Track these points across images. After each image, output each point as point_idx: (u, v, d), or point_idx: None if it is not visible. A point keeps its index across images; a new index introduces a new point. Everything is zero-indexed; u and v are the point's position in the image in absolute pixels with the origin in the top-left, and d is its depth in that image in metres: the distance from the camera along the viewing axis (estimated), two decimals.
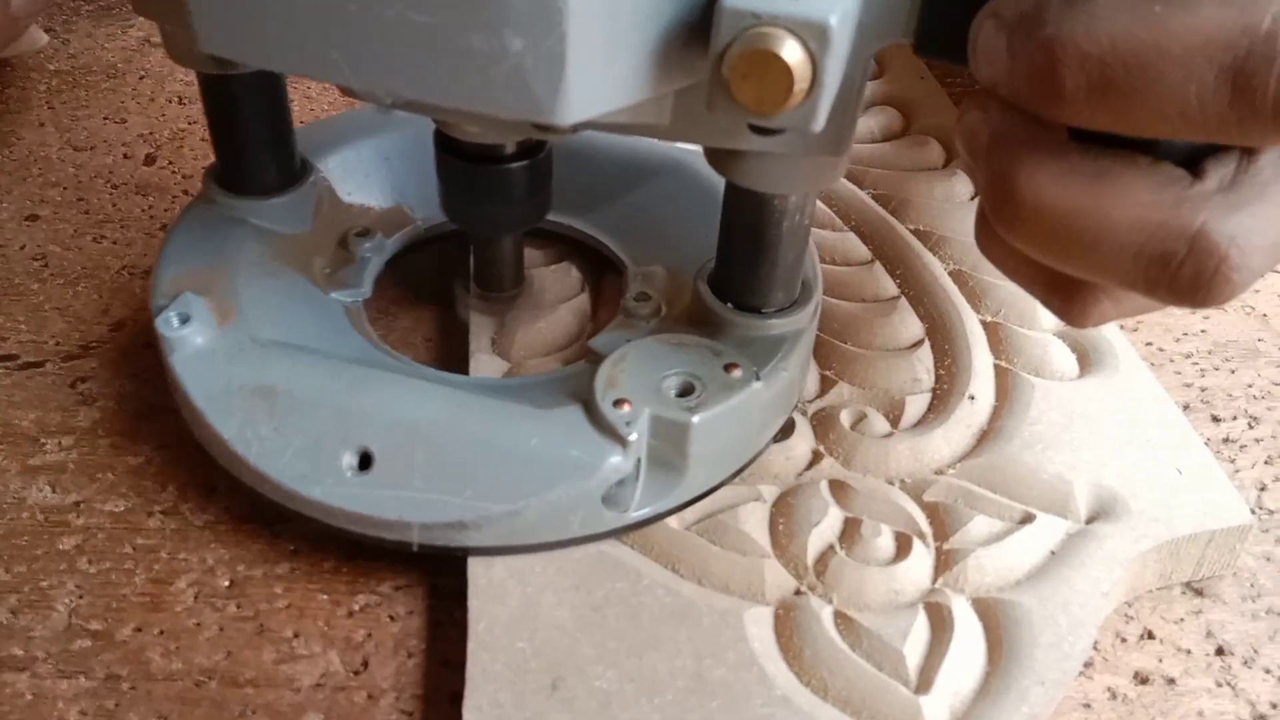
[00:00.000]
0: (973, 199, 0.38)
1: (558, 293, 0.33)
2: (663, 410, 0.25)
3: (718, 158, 0.25)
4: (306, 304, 0.29)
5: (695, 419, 0.25)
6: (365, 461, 0.25)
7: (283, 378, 0.26)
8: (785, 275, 0.27)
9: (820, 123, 0.20)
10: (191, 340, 0.27)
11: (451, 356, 0.32)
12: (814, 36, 0.19)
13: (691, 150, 0.35)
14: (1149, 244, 0.20)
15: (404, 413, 0.25)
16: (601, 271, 0.34)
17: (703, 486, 0.26)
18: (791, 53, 0.19)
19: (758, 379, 0.26)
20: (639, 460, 0.25)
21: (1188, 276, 0.20)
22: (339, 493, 0.24)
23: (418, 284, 0.35)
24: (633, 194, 0.34)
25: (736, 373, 0.26)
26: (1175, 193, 0.20)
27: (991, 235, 0.23)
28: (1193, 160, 0.20)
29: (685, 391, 0.26)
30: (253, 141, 0.31)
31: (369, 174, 0.34)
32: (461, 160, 0.27)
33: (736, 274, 0.28)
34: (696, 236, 0.30)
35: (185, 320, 0.27)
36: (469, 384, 0.28)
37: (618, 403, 0.25)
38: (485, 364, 0.30)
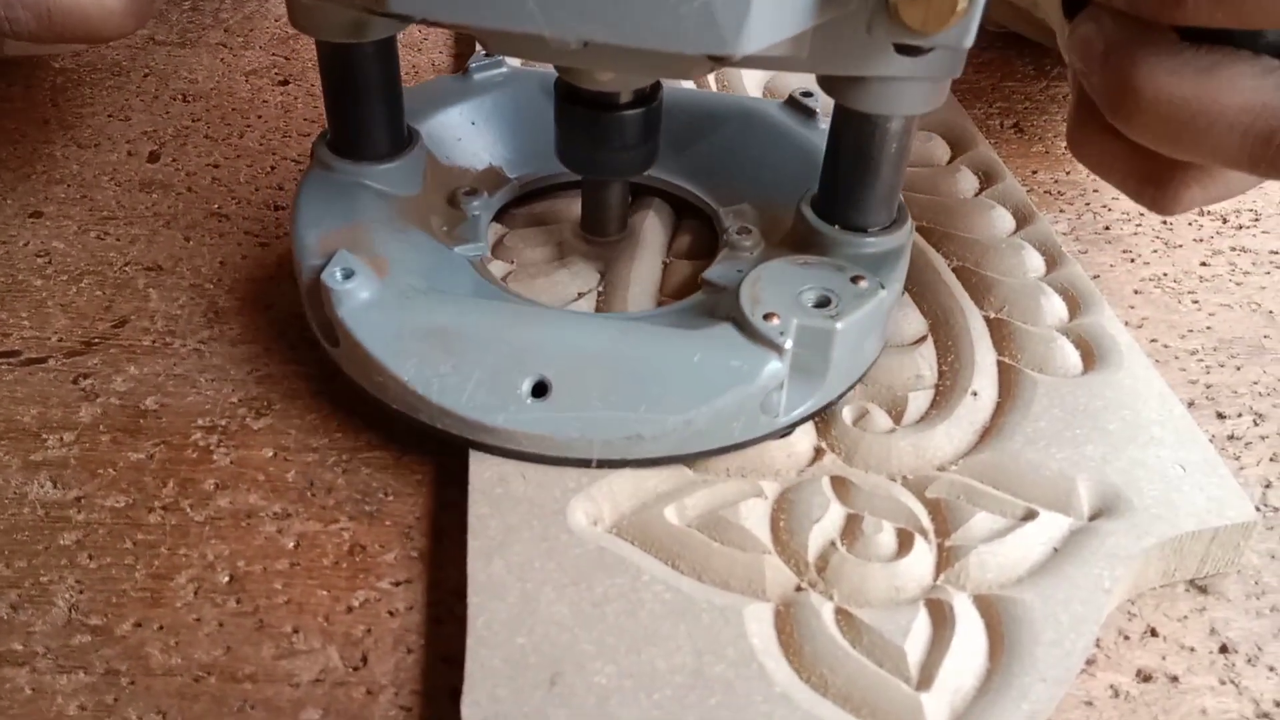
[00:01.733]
0: (978, 194, 0.38)
1: (658, 239, 0.35)
2: (808, 320, 0.27)
3: (835, 85, 0.28)
4: (440, 258, 0.31)
5: (839, 325, 0.27)
6: (540, 389, 0.27)
7: (452, 319, 0.28)
8: (888, 195, 0.30)
9: (972, 38, 0.23)
10: (358, 293, 0.28)
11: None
12: None
13: (754, 99, 0.39)
14: (1255, 124, 0.23)
15: (572, 342, 0.27)
16: (679, 219, 0.37)
17: (836, 390, 0.28)
18: None
19: (882, 287, 0.28)
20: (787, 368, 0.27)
21: None
22: (521, 418, 0.26)
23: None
24: (707, 142, 0.36)
25: (864, 284, 0.28)
26: (1276, 80, 0.23)
27: (1087, 136, 0.27)
28: None
29: (822, 303, 0.28)
30: (372, 109, 0.32)
31: (460, 138, 0.36)
32: (584, 107, 0.30)
33: (844, 196, 0.30)
34: (775, 175, 0.34)
35: (349, 275, 0.28)
36: (620, 316, 0.31)
37: (767, 316, 0.27)
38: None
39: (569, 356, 0.27)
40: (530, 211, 0.37)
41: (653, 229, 0.35)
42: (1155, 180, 0.26)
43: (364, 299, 0.28)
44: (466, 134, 0.36)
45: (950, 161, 0.40)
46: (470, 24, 0.24)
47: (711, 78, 0.45)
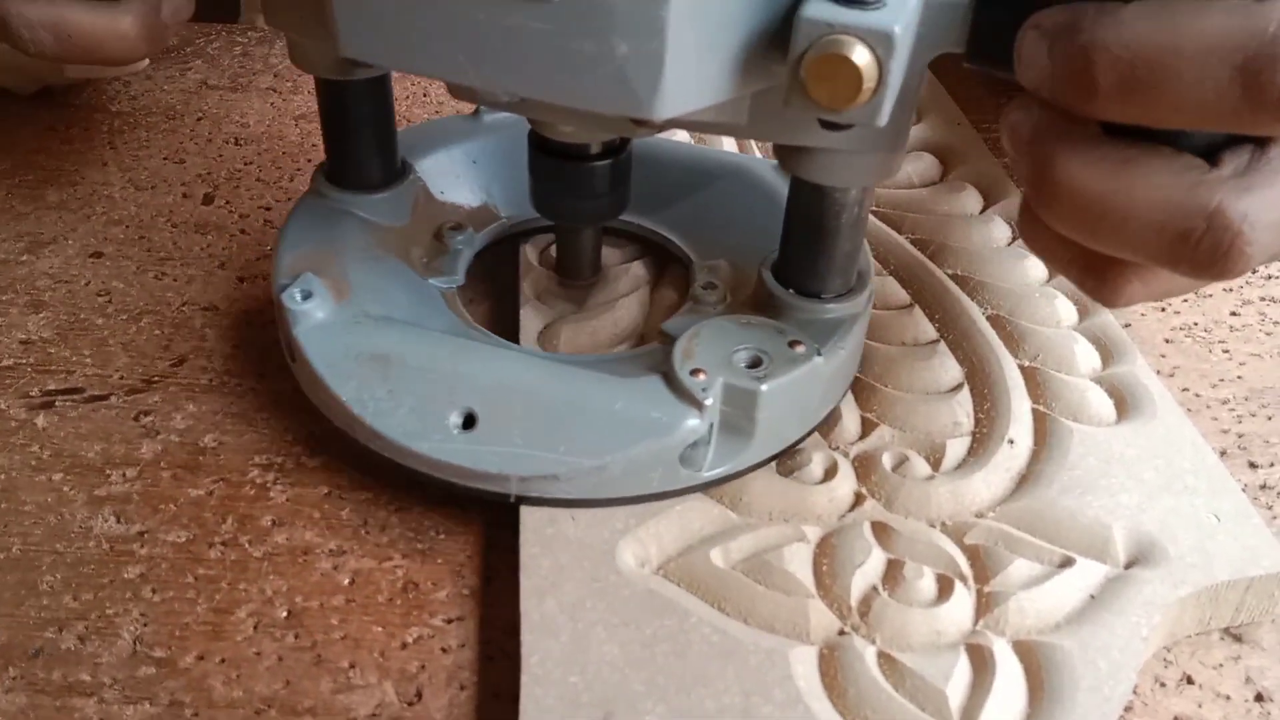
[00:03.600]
0: (1010, 244, 0.39)
1: (630, 284, 0.36)
2: (735, 379, 0.28)
3: (786, 155, 0.29)
4: (409, 287, 0.33)
5: (764, 387, 0.27)
6: (469, 421, 0.28)
7: (395, 346, 0.29)
8: (843, 263, 0.30)
9: (885, 117, 0.24)
10: (313, 314, 0.30)
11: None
12: (880, 43, 0.22)
13: (749, 157, 0.40)
14: (1171, 221, 0.22)
15: (504, 378, 0.28)
16: (662, 270, 0.37)
17: (767, 452, 0.29)
18: (861, 56, 0.22)
19: (819, 354, 0.29)
20: (712, 424, 0.28)
21: (1206, 250, 0.22)
22: (446, 448, 0.27)
23: (500, 275, 0.38)
24: (697, 196, 0.38)
25: (800, 349, 0.29)
26: (1194, 177, 0.23)
27: (1033, 224, 0.26)
28: (1211, 151, 0.23)
29: (754, 364, 0.28)
30: (362, 141, 0.34)
31: (459, 175, 0.37)
32: (553, 157, 0.31)
33: (798, 262, 0.31)
34: (756, 233, 0.34)
35: (307, 296, 0.30)
36: (557, 358, 0.31)
37: (694, 372, 0.28)
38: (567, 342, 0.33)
39: (498, 391, 0.28)
40: (517, 250, 0.38)
41: (630, 277, 0.36)
42: (1095, 272, 0.26)
43: (318, 319, 0.30)
44: (465, 171, 0.38)
45: (983, 211, 0.41)
46: (412, 71, 0.25)
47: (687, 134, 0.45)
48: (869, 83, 0.23)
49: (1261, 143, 0.23)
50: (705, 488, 0.28)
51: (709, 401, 0.27)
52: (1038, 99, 0.24)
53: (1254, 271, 0.40)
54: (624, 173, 0.32)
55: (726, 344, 0.29)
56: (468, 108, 0.40)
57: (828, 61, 0.22)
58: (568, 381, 0.29)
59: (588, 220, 0.34)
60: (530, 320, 0.34)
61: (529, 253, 0.37)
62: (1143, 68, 0.21)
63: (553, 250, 0.37)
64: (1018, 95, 0.25)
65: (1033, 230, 0.27)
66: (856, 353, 0.32)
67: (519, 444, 0.27)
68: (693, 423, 0.27)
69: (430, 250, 0.35)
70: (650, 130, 0.28)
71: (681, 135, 0.42)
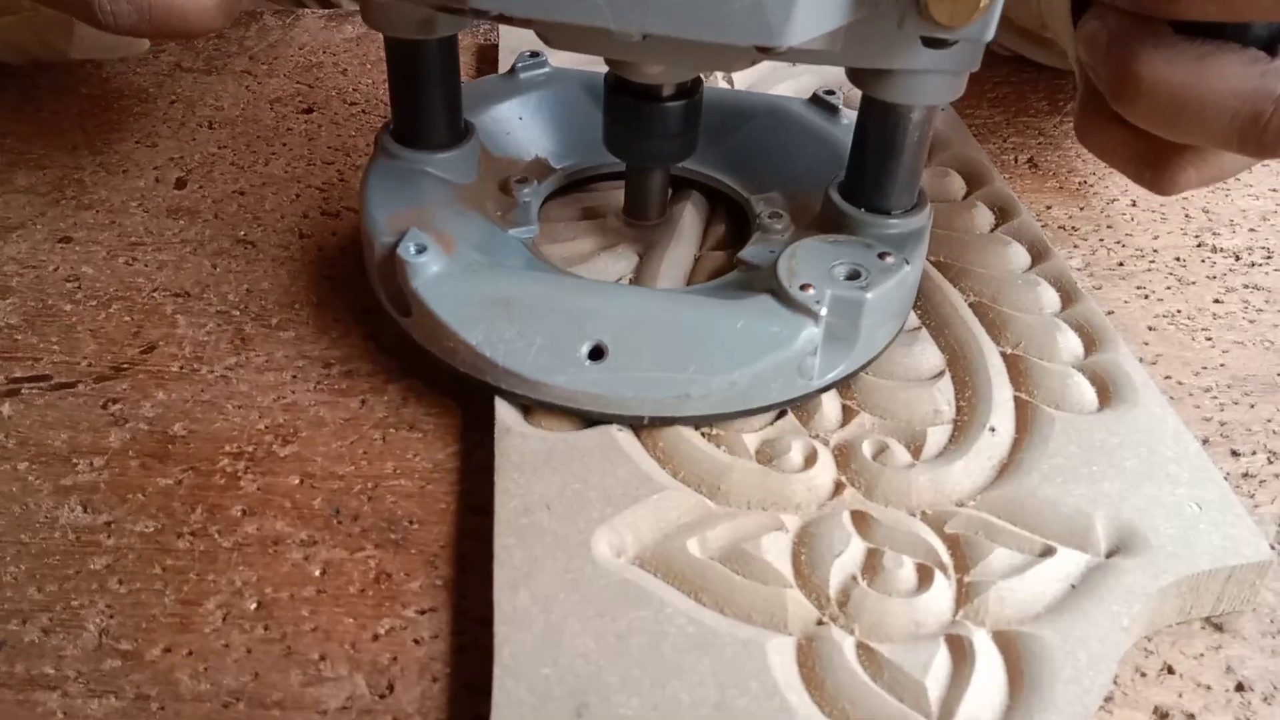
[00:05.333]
0: (993, 230, 0.38)
1: (695, 225, 0.38)
2: (841, 290, 0.29)
3: (863, 77, 0.30)
4: (497, 238, 0.34)
5: (869, 295, 0.29)
6: (597, 353, 0.29)
7: (515, 289, 0.30)
8: (910, 180, 0.32)
9: (993, 32, 0.26)
10: (429, 266, 0.31)
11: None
12: None
13: (778, 96, 0.42)
14: (1242, 108, 0.26)
15: (626, 310, 0.30)
16: (713, 208, 0.39)
17: (865, 357, 0.31)
18: None
19: (907, 263, 0.31)
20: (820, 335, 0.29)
21: (1274, 130, 0.25)
22: (580, 379, 0.29)
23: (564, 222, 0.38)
24: (737, 136, 0.39)
25: (890, 259, 0.30)
26: (1261, 68, 0.26)
27: (1093, 123, 0.30)
28: (1270, 46, 0.26)
29: (852, 276, 0.30)
30: (434, 101, 0.35)
31: (509, 132, 0.39)
32: (630, 98, 0.32)
33: (869, 181, 0.32)
34: (799, 164, 0.37)
35: (421, 249, 0.31)
36: (666, 290, 0.33)
37: (803, 286, 0.29)
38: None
39: (623, 323, 0.29)
40: (576, 199, 0.39)
41: (690, 217, 0.38)
42: (1154, 163, 0.29)
43: (435, 271, 0.31)
44: (515, 128, 0.39)
45: (966, 197, 0.40)
46: (544, 18, 0.26)
47: (736, 78, 0.47)
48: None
49: None
50: (818, 393, 0.31)
51: (823, 311, 0.29)
52: (1113, 7, 0.27)
53: (1236, 259, 0.40)
54: (696, 114, 0.33)
55: (824, 261, 0.30)
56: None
57: None
58: (686, 307, 0.30)
59: (662, 160, 0.35)
60: (609, 266, 0.36)
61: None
62: None
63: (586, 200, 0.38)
64: (1093, 9, 0.28)
65: (1094, 131, 0.30)
66: (923, 263, 0.33)
67: (650, 369, 0.29)
68: (811, 332, 0.29)
69: (502, 204, 0.36)
70: (755, 60, 0.29)
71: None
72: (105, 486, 0.29)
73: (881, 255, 0.31)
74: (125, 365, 0.33)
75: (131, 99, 0.47)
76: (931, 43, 0.27)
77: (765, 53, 0.26)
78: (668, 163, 0.36)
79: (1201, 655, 0.26)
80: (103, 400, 0.32)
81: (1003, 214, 0.39)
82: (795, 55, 0.29)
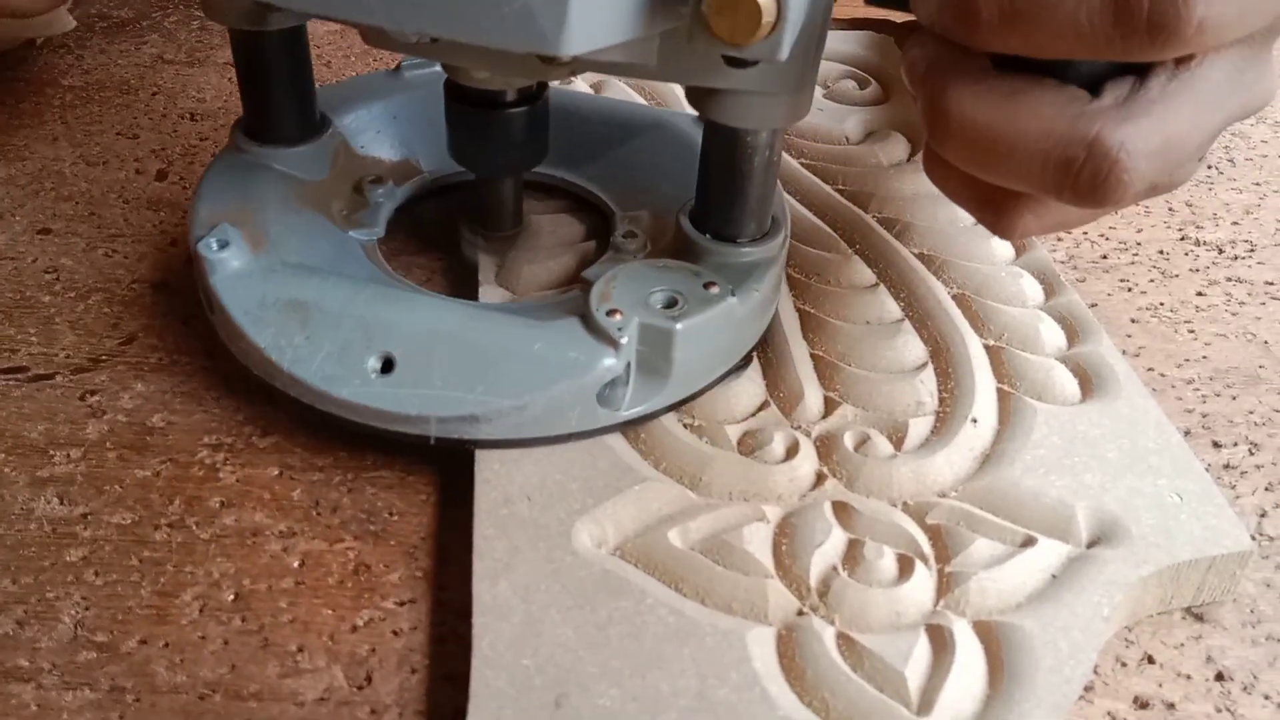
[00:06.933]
0: (977, 223, 0.38)
1: (555, 236, 0.36)
2: (650, 319, 0.28)
3: (698, 98, 0.29)
4: (328, 238, 0.33)
5: (679, 326, 0.28)
6: (388, 365, 0.28)
7: (312, 293, 0.29)
8: (757, 207, 0.31)
9: (785, 52, 0.24)
10: (229, 263, 0.30)
11: (457, 292, 0.35)
12: None
13: (671, 111, 0.40)
14: (1054, 150, 0.24)
15: (421, 322, 0.29)
16: (595, 223, 0.37)
17: (683, 393, 0.30)
18: None
19: (733, 295, 0.29)
20: (629, 364, 0.28)
21: (1087, 178, 0.23)
22: (365, 392, 0.28)
23: (425, 229, 0.38)
24: (620, 149, 0.38)
25: (714, 289, 0.29)
26: (1076, 108, 0.24)
27: (934, 159, 0.28)
28: (1095, 84, 0.24)
29: (669, 305, 0.29)
30: (279, 94, 0.34)
31: (380, 130, 0.38)
32: (468, 106, 0.31)
33: (714, 207, 0.31)
34: (676, 185, 0.34)
35: (224, 245, 0.30)
36: (475, 304, 0.32)
37: (610, 312, 0.28)
38: (491, 294, 0.34)
39: (416, 336, 0.28)
40: (438, 204, 0.38)
41: (550, 228, 0.37)
42: (991, 205, 0.27)
43: (234, 268, 0.30)
44: (386, 127, 0.38)
45: None
46: (320, 15, 0.25)
47: (634, 89, 0.46)
48: (768, 16, 0.23)
49: (1142, 75, 0.24)
50: (622, 427, 0.29)
51: (624, 340, 0.28)
52: (932, 35, 0.25)
53: (1219, 252, 0.40)
54: (541, 121, 0.32)
55: (643, 286, 0.29)
56: (384, 63, 0.40)
57: None
58: (485, 324, 0.29)
59: (505, 170, 0.34)
60: (483, 266, 0.35)
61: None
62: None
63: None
64: (914, 33, 0.26)
65: (935, 165, 0.28)
66: (773, 296, 0.32)
67: (438, 386, 0.28)
68: (609, 362, 0.28)
69: (350, 204, 0.35)
70: (563, 71, 0.28)
71: (619, 90, 0.42)
72: (82, 478, 0.29)
73: (707, 285, 0.29)
74: (104, 357, 0.33)
75: (113, 90, 0.47)
76: (730, 61, 0.26)
77: (551, 62, 0.25)
78: (512, 173, 0.34)
79: (1182, 645, 0.26)
80: (81, 392, 0.32)
81: None
82: (605, 68, 0.28)
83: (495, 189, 0.35)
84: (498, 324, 0.29)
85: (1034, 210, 0.27)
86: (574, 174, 0.38)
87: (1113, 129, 0.23)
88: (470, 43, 0.23)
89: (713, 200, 0.31)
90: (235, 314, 0.29)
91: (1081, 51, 0.23)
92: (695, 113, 0.30)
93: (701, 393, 0.30)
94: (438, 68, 0.39)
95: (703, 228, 0.31)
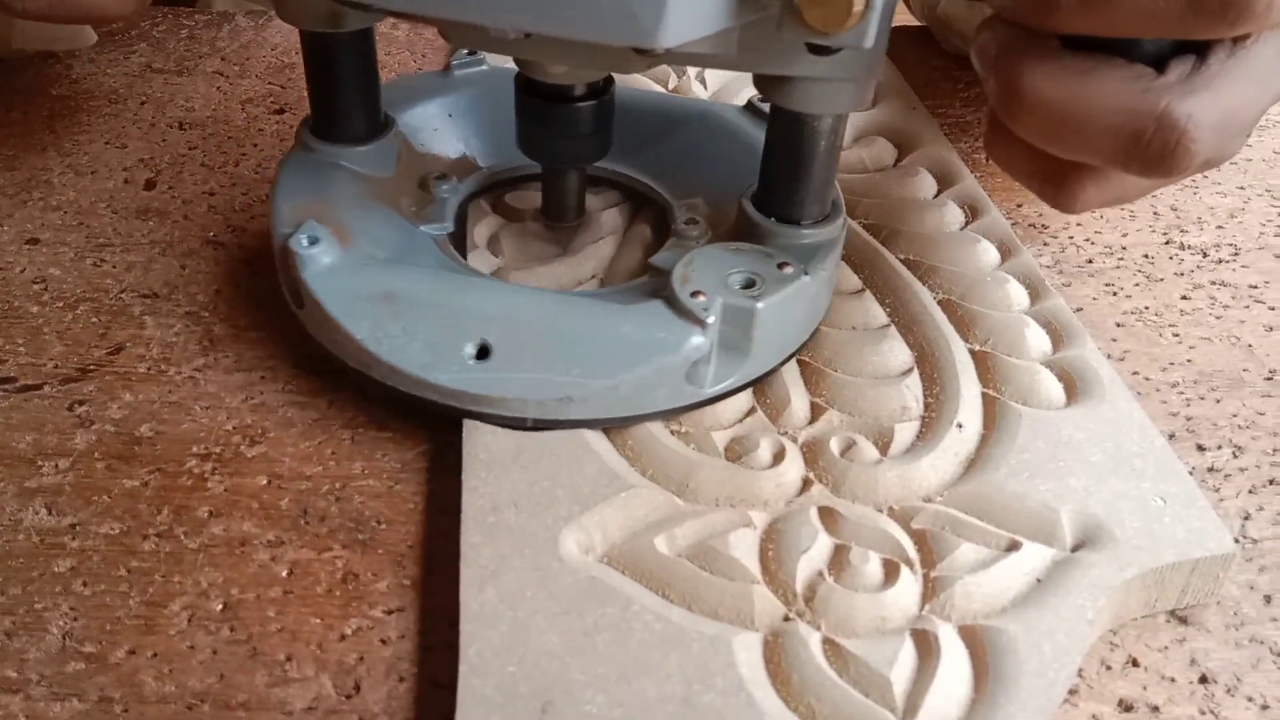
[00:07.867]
0: (963, 229, 0.38)
1: (612, 225, 0.38)
2: (732, 299, 0.29)
3: (768, 85, 0.30)
4: (403, 233, 0.33)
5: (760, 305, 0.29)
6: (483, 352, 0.29)
7: (405, 285, 0.30)
8: (820, 190, 0.32)
9: (871, 39, 0.25)
10: (320, 259, 0.31)
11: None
12: None
13: (714, 102, 0.42)
14: (1125, 124, 0.25)
15: (514, 310, 0.30)
16: (637, 212, 0.39)
17: (762, 367, 0.31)
18: None
19: (806, 274, 0.30)
20: (712, 343, 0.29)
21: (1156, 149, 0.25)
22: (463, 378, 0.28)
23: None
24: (668, 140, 0.39)
25: (788, 269, 0.30)
26: (1144, 84, 0.25)
27: (997, 138, 0.29)
28: (1159, 61, 0.26)
29: (748, 285, 0.30)
30: (349, 94, 0.35)
31: (437, 129, 0.39)
32: (539, 99, 0.32)
33: (778, 190, 0.32)
34: (726, 172, 0.36)
35: (314, 241, 0.31)
36: (559, 292, 0.33)
37: (694, 294, 0.29)
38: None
39: (510, 323, 0.29)
40: (498, 198, 0.39)
41: (609, 220, 0.38)
42: (1055, 180, 0.29)
43: (326, 264, 0.31)
44: (443, 125, 0.39)
45: (936, 195, 0.41)
46: (420, 13, 0.26)
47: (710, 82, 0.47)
48: (859, 5, 0.25)
49: (1202, 52, 0.25)
50: (709, 403, 0.30)
51: (710, 319, 0.29)
52: (1004, 19, 0.27)
53: (1204, 256, 0.40)
54: (607, 114, 0.33)
55: (720, 268, 0.30)
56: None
57: None
58: (574, 309, 0.30)
59: (572, 161, 0.35)
60: (564, 275, 0.35)
61: (483, 204, 0.38)
62: None
63: (510, 200, 0.38)
64: (986, 19, 0.28)
65: (999, 145, 0.29)
66: (834, 276, 0.33)
67: (533, 370, 0.28)
68: (697, 340, 0.29)
69: (418, 200, 0.36)
70: (644, 64, 0.29)
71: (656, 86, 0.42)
72: (70, 489, 0.29)
73: (781, 265, 0.30)
74: (92, 367, 0.33)
75: (101, 100, 0.47)
76: (816, 49, 0.27)
77: (647, 54, 0.26)
78: (580, 164, 0.36)
79: (1166, 648, 0.26)
80: (69, 402, 0.32)
81: (973, 212, 0.39)
82: (688, 59, 0.29)
83: (561, 180, 0.36)
84: (585, 309, 0.30)
85: (1096, 183, 0.28)
86: (626, 166, 0.39)
87: (1179, 102, 0.25)
88: (567, 37, 0.24)
89: (777, 184, 0.32)
90: (330, 308, 0.30)
91: (1153, 30, 0.24)
92: (737, 104, 0.31)
93: (773, 371, 0.31)
94: (486, 66, 0.41)
95: (766, 211, 0.32)
